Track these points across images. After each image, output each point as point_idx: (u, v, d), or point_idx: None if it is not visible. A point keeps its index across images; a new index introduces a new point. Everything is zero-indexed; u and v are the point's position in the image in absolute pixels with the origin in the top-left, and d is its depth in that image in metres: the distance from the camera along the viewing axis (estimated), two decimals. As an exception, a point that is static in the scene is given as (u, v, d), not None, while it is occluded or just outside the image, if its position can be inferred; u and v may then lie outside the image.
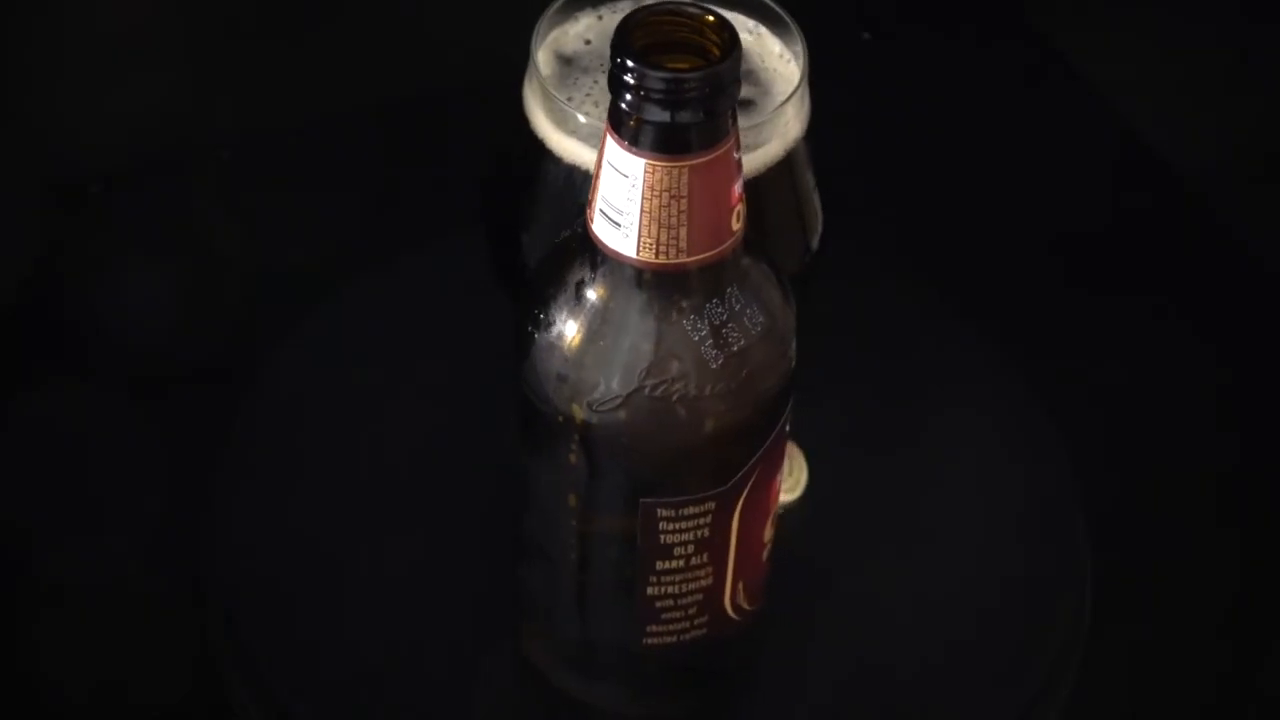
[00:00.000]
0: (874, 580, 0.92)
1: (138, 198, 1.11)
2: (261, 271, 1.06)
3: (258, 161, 1.13)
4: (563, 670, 0.84)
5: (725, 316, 0.71)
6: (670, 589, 0.78)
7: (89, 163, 1.11)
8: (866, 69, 1.18)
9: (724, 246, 0.70)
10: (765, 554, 0.81)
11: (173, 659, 0.91)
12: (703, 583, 0.78)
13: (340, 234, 1.07)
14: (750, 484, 0.75)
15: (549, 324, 0.72)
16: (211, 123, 1.14)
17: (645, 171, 0.68)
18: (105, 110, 1.10)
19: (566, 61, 0.84)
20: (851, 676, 0.89)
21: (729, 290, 0.71)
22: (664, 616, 0.79)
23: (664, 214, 0.68)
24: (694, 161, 0.68)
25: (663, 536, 0.75)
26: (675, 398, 0.71)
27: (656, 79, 0.66)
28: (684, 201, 0.68)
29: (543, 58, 0.83)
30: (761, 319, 0.72)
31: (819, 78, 0.83)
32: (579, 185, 0.80)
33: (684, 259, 0.69)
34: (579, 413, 0.72)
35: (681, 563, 0.76)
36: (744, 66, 0.84)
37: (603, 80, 0.83)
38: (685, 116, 0.67)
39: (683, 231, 0.69)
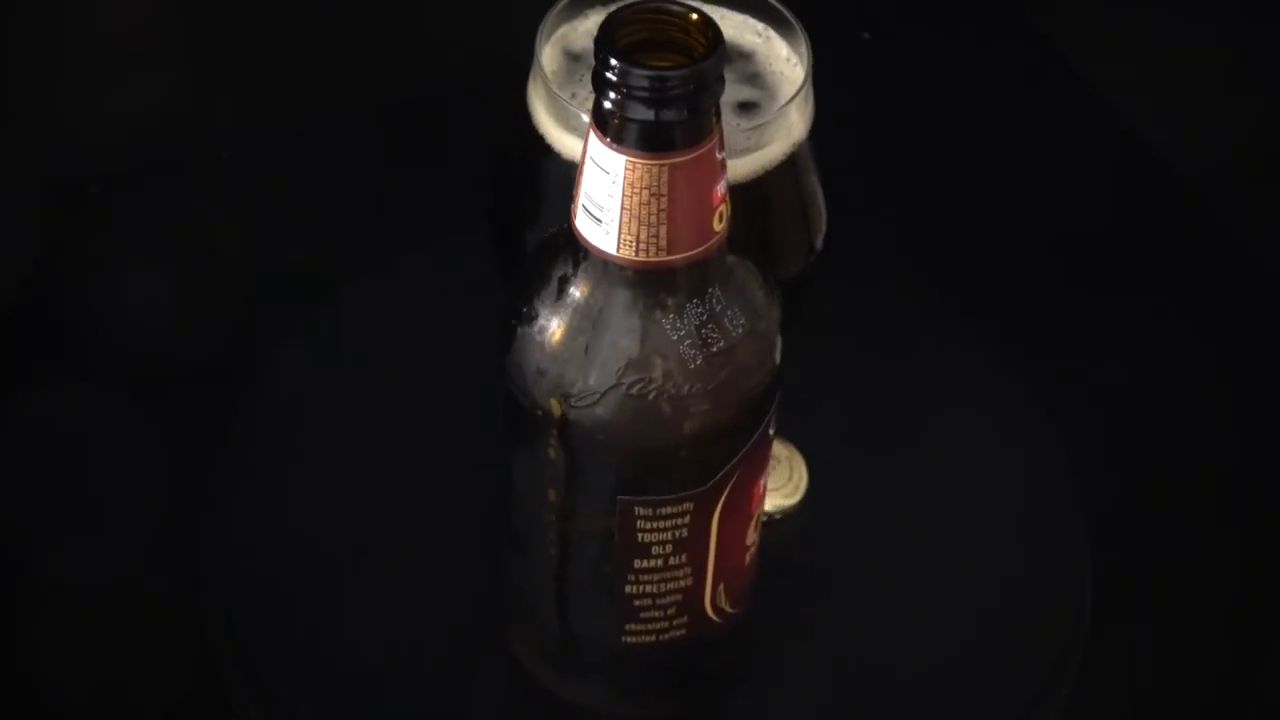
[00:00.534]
0: (874, 580, 0.92)
1: (138, 198, 1.11)
2: (261, 271, 1.06)
3: (258, 161, 1.13)
4: (547, 668, 0.84)
5: (706, 317, 0.71)
6: (648, 588, 0.78)
7: (89, 163, 1.11)
8: (867, 69, 1.18)
9: (705, 246, 0.70)
10: (748, 557, 0.80)
11: (173, 659, 0.91)
12: (681, 583, 0.78)
13: (340, 234, 1.07)
14: (730, 486, 0.75)
15: (531, 317, 0.73)
16: (211, 123, 1.14)
17: (625, 168, 0.68)
18: (105, 110, 1.10)
19: (574, 58, 0.84)
20: (851, 676, 0.89)
21: (710, 290, 0.71)
22: (643, 616, 0.79)
23: (644, 211, 0.68)
24: (674, 160, 0.68)
25: (640, 535, 0.75)
26: (652, 396, 0.71)
27: (634, 76, 0.66)
28: (664, 200, 0.68)
29: (549, 54, 0.83)
30: (743, 320, 0.72)
31: (819, 78, 0.83)
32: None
33: (664, 257, 0.70)
34: (557, 407, 0.73)
35: (659, 562, 0.76)
36: (751, 70, 0.84)
37: None
38: (665, 115, 0.67)
39: (663, 230, 0.69)
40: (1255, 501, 0.99)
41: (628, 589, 0.78)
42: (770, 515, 0.92)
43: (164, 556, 0.93)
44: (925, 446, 0.97)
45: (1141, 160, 1.17)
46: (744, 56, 0.85)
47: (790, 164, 0.83)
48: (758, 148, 0.81)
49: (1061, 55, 1.24)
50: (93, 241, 1.09)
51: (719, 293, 0.71)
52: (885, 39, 1.24)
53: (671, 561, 0.76)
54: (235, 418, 0.97)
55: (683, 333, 0.71)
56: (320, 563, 0.91)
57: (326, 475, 0.95)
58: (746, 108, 0.83)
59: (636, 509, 0.74)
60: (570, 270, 0.71)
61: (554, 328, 0.72)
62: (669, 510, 0.74)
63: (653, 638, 0.80)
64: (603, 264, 0.70)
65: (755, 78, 0.84)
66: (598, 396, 0.72)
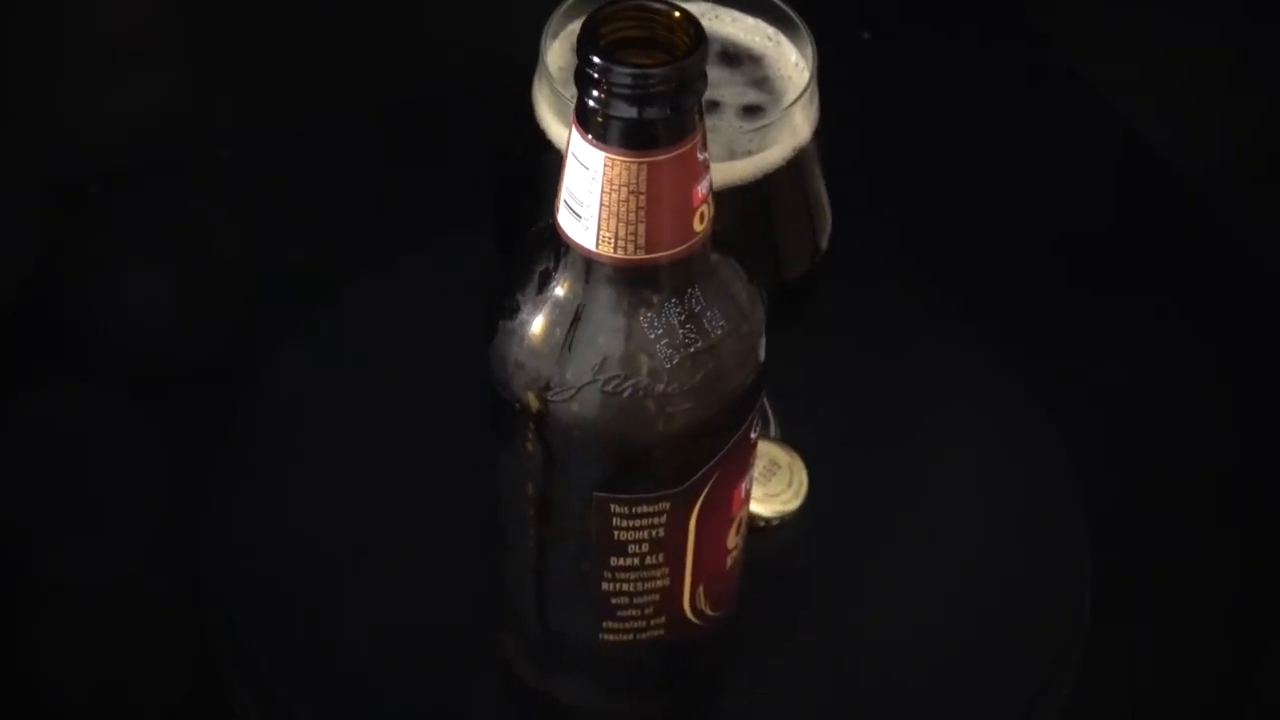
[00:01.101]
0: (874, 580, 0.92)
1: (138, 198, 1.11)
2: (261, 271, 1.06)
3: (258, 161, 1.13)
4: (531, 665, 0.84)
5: (685, 316, 0.71)
6: (625, 587, 0.78)
7: (89, 163, 1.11)
8: (868, 69, 1.18)
9: (685, 246, 0.70)
10: (730, 560, 0.80)
11: (173, 659, 0.91)
12: (659, 583, 0.78)
13: (340, 234, 1.07)
14: (709, 487, 0.75)
15: (512, 310, 0.73)
16: (211, 123, 1.14)
17: (604, 165, 0.68)
18: (105, 110, 1.10)
19: None
20: (851, 676, 0.89)
21: (691, 291, 0.71)
22: (620, 614, 0.79)
23: (622, 209, 0.68)
24: (652, 158, 0.68)
25: (616, 533, 0.75)
26: (628, 394, 0.71)
27: (610, 72, 0.66)
28: (642, 198, 0.68)
29: (555, 53, 0.83)
30: (724, 322, 0.72)
31: (820, 78, 0.83)
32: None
33: (643, 256, 0.70)
34: (534, 401, 0.73)
35: (636, 561, 0.76)
36: (760, 74, 0.84)
37: None
38: (642, 112, 0.67)
39: (641, 228, 0.69)
40: (1255, 501, 0.99)
41: (605, 586, 0.78)
42: (768, 521, 0.92)
43: (164, 556, 0.93)
44: (925, 446, 0.97)
45: (1142, 160, 1.17)
46: (754, 60, 0.85)
47: (795, 165, 0.83)
48: (762, 149, 0.81)
49: (1062, 55, 1.24)
50: (93, 241, 1.09)
51: (699, 293, 0.71)
52: (886, 39, 1.24)
53: (649, 561, 0.76)
54: (235, 418, 0.97)
55: (660, 331, 0.71)
56: (320, 563, 0.91)
57: (326, 475, 0.95)
58: (752, 111, 0.83)
59: (612, 506, 0.74)
60: (552, 265, 0.71)
61: (533, 321, 0.72)
62: (645, 509, 0.74)
63: (631, 636, 0.80)
64: (583, 260, 0.70)
65: (764, 81, 0.84)
66: (573, 392, 0.72)
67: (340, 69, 1.15)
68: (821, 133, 0.85)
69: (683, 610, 0.79)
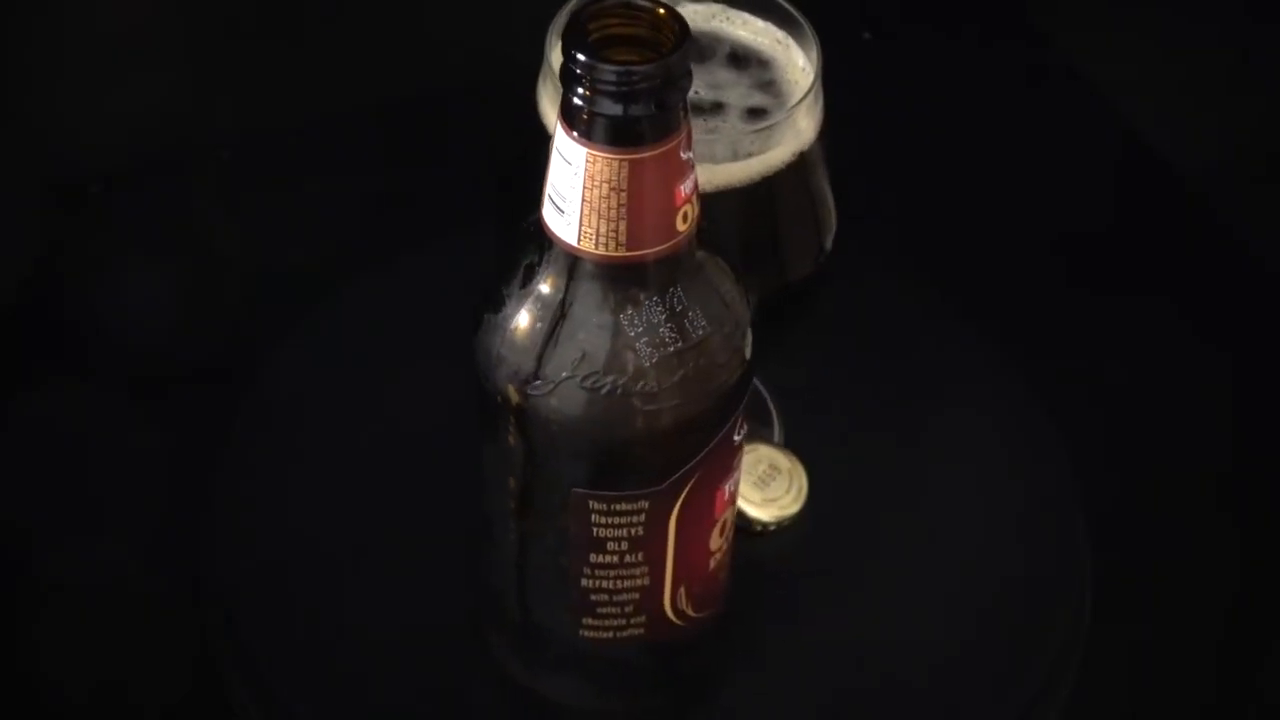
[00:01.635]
0: (874, 580, 0.92)
1: (138, 198, 1.11)
2: (261, 271, 1.06)
3: (258, 161, 1.13)
4: (515, 661, 0.84)
5: (665, 316, 0.71)
6: (604, 584, 0.78)
7: (89, 163, 1.11)
8: (868, 69, 1.18)
9: (667, 245, 0.70)
10: (713, 562, 0.80)
11: (173, 659, 0.91)
12: (638, 582, 0.78)
13: (340, 234, 1.07)
14: (689, 488, 0.75)
15: (497, 303, 0.73)
16: (211, 123, 1.14)
17: (586, 160, 0.68)
18: (105, 110, 1.10)
19: None
20: (852, 676, 0.89)
21: (671, 290, 0.71)
22: (600, 611, 0.79)
23: (604, 205, 0.69)
24: (633, 156, 0.68)
25: (595, 530, 0.75)
26: (605, 390, 0.71)
27: (591, 69, 0.67)
28: (623, 195, 0.68)
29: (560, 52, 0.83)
30: (705, 323, 0.72)
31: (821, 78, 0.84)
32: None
33: (623, 253, 0.70)
34: (514, 394, 0.73)
35: (615, 558, 0.77)
36: (768, 77, 0.84)
37: None
38: (623, 109, 0.67)
39: (622, 225, 0.69)
40: (1255, 501, 0.99)
41: (584, 583, 0.78)
42: (765, 526, 0.92)
43: (164, 556, 0.93)
44: (925, 447, 0.97)
45: (1143, 160, 1.17)
46: (762, 63, 0.85)
47: (800, 166, 0.83)
48: (766, 150, 0.81)
49: (1063, 55, 1.24)
50: (93, 241, 1.09)
51: (682, 292, 0.71)
52: (887, 39, 1.24)
53: (628, 559, 0.77)
54: (235, 418, 0.97)
55: (641, 329, 0.71)
56: (320, 563, 0.91)
57: (326, 475, 0.95)
58: (757, 114, 0.83)
59: (591, 503, 0.75)
60: (536, 259, 0.72)
61: (515, 315, 0.72)
62: (623, 507, 0.75)
63: (611, 634, 0.80)
64: (565, 256, 0.70)
65: (770, 85, 0.85)
66: (552, 386, 0.72)
67: (340, 69, 1.15)
68: (826, 134, 0.85)
69: (664, 610, 0.79)
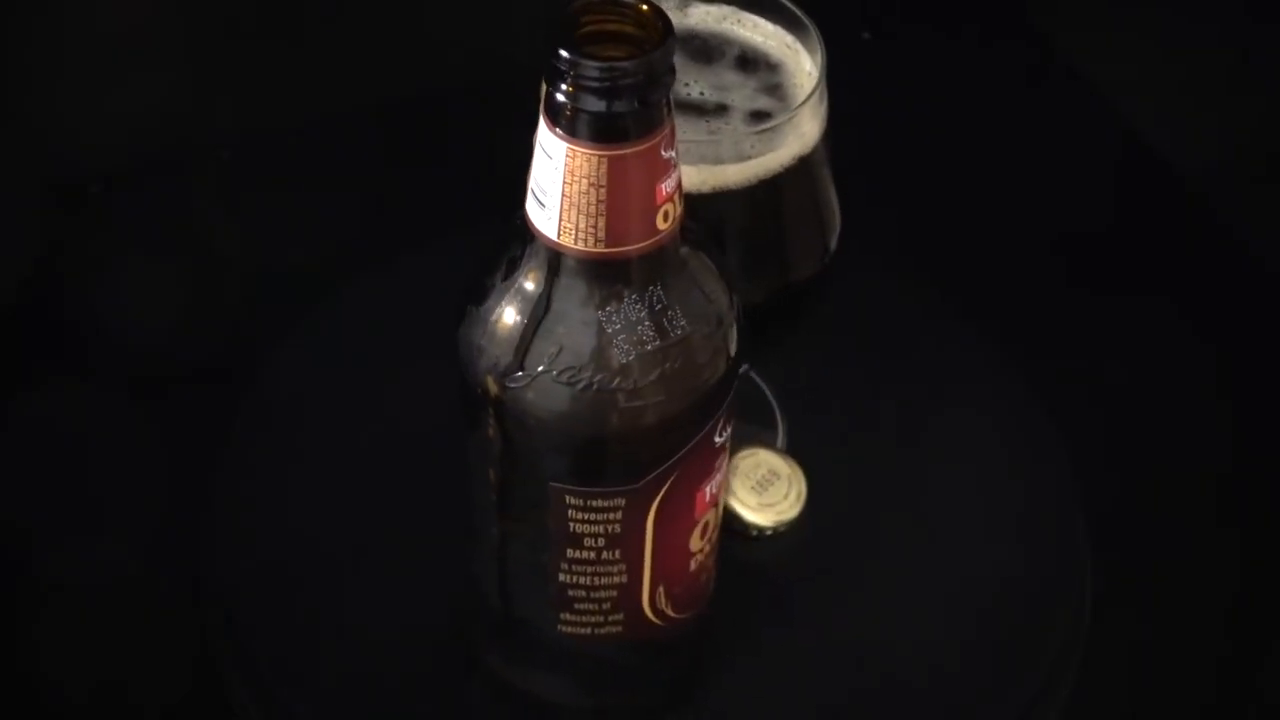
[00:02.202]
0: (874, 580, 0.92)
1: (138, 198, 1.11)
2: (261, 271, 1.06)
3: (258, 161, 1.14)
4: (496, 656, 0.85)
5: (644, 314, 0.71)
6: (582, 579, 0.78)
7: (89, 163, 1.11)
8: (869, 69, 1.18)
9: (647, 243, 0.70)
10: (694, 564, 0.80)
11: (173, 659, 0.91)
12: (616, 579, 0.78)
13: (340, 234, 1.07)
14: (666, 487, 0.75)
15: (480, 295, 0.73)
16: (211, 123, 1.14)
17: (566, 155, 0.68)
18: (105, 110, 1.10)
19: None
20: (852, 676, 0.89)
21: (651, 288, 0.71)
22: (577, 606, 0.79)
23: (583, 201, 0.69)
24: (612, 152, 0.68)
25: (572, 525, 0.76)
26: (581, 386, 0.72)
27: (572, 63, 0.67)
28: (603, 191, 0.68)
29: None
30: (684, 323, 0.72)
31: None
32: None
33: (602, 249, 0.70)
34: (493, 386, 0.73)
35: (592, 554, 0.77)
36: (774, 80, 0.84)
37: None
38: (602, 105, 0.67)
39: (601, 221, 0.69)
40: (1255, 501, 0.99)
41: (561, 577, 0.78)
42: (762, 530, 0.92)
43: (164, 556, 0.93)
44: (925, 447, 0.97)
45: (1143, 160, 1.17)
46: (770, 67, 0.85)
47: (804, 167, 0.83)
48: (771, 151, 0.81)
49: (1063, 55, 1.24)
50: (93, 241, 1.09)
51: (662, 291, 0.71)
52: (887, 39, 1.25)
53: (605, 555, 0.77)
54: (235, 418, 0.97)
55: (619, 326, 0.71)
56: (320, 563, 0.91)
57: (326, 475, 0.95)
58: (761, 117, 0.83)
59: (567, 497, 0.75)
60: (519, 253, 0.72)
61: (496, 307, 0.73)
62: (600, 503, 0.75)
63: (589, 630, 0.80)
64: (546, 250, 0.71)
65: (776, 88, 0.85)
66: (529, 380, 0.72)
67: (340, 69, 1.15)
68: (830, 135, 0.85)
69: (642, 609, 0.79)
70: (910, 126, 1.16)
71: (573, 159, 0.68)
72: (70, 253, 1.08)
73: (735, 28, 0.87)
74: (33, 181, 1.10)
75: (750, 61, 0.86)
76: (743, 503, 0.92)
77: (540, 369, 0.72)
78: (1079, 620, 0.92)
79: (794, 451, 0.96)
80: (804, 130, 0.83)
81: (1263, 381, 1.05)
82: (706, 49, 0.86)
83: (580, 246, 0.70)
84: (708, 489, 0.78)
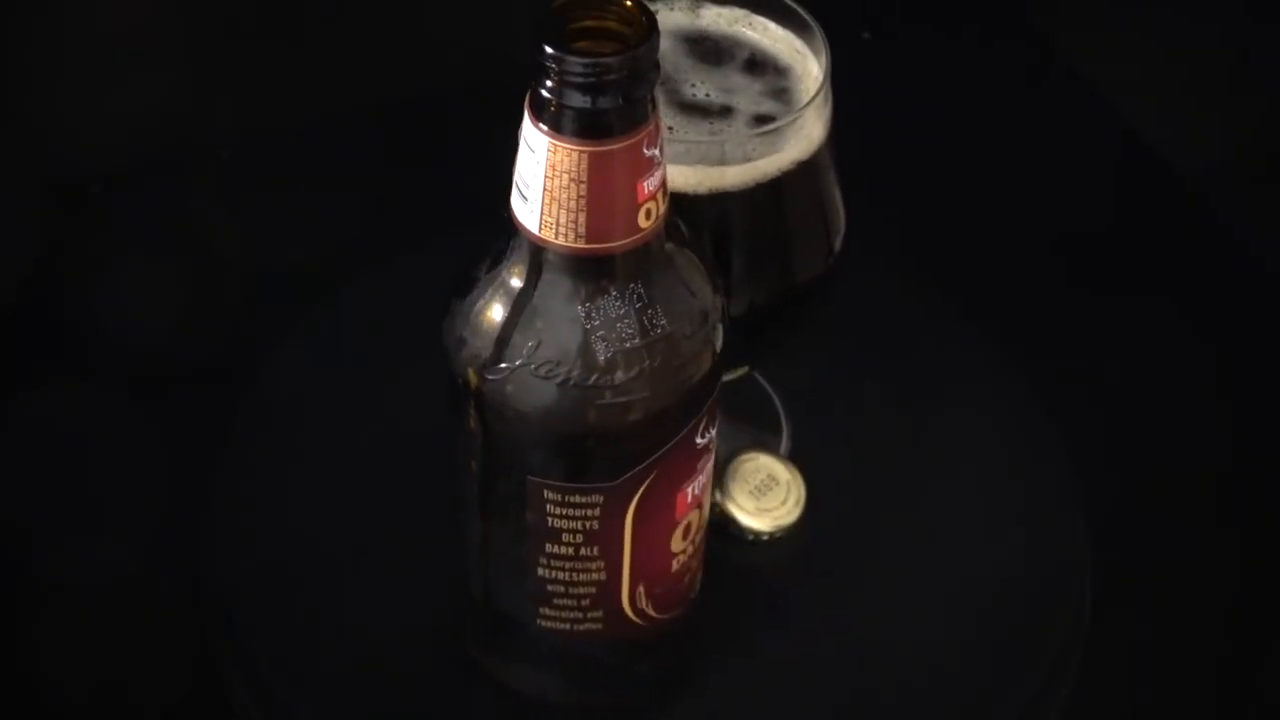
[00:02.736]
0: (874, 580, 0.92)
1: (138, 198, 1.11)
2: (261, 271, 1.06)
3: (258, 161, 1.14)
4: (480, 649, 0.85)
5: (623, 311, 0.71)
6: (561, 575, 0.78)
7: (89, 163, 1.11)
8: (868, 69, 1.18)
9: (627, 241, 0.70)
10: (676, 564, 0.80)
11: (173, 659, 0.91)
12: (594, 576, 0.78)
13: (340, 234, 1.07)
14: (645, 487, 0.75)
15: (465, 287, 0.73)
16: (211, 123, 1.14)
17: (548, 150, 0.68)
18: (105, 110, 1.10)
19: None
20: (851, 676, 0.89)
21: (632, 286, 0.71)
22: (556, 601, 0.79)
23: (564, 196, 0.69)
24: (593, 148, 0.68)
25: (550, 520, 0.76)
26: (558, 381, 0.72)
27: (553, 59, 0.67)
28: (583, 186, 0.69)
29: None
30: (664, 322, 0.72)
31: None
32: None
33: (582, 245, 0.70)
34: (473, 378, 0.73)
35: (570, 550, 0.77)
36: (781, 84, 0.84)
37: None
38: (582, 101, 0.67)
39: (582, 217, 0.69)
40: (1255, 501, 0.99)
41: (540, 572, 0.78)
42: (757, 535, 0.92)
43: (164, 556, 0.93)
44: (925, 447, 0.97)
45: (1143, 160, 1.17)
46: (779, 71, 0.85)
47: (809, 168, 0.83)
48: (774, 153, 0.81)
49: (1063, 55, 1.24)
50: (93, 241, 1.09)
51: (642, 289, 0.72)
52: (887, 39, 1.25)
53: (583, 552, 0.77)
54: (235, 418, 0.97)
55: (598, 323, 0.71)
56: (320, 563, 0.91)
57: (326, 475, 0.95)
58: (765, 121, 0.83)
59: (545, 492, 0.75)
60: (504, 246, 0.72)
61: (479, 300, 0.73)
62: (578, 499, 0.75)
63: (568, 626, 0.80)
64: (528, 244, 0.71)
65: (783, 93, 0.85)
66: (508, 372, 0.72)
67: (340, 69, 1.15)
68: (834, 136, 0.85)
69: (621, 607, 0.79)
70: (910, 127, 1.16)
71: (554, 153, 0.68)
72: (70, 253, 1.08)
73: (747, 31, 0.87)
74: (33, 181, 1.10)
75: (759, 65, 0.86)
76: (740, 507, 0.92)
77: (519, 362, 0.72)
78: (1079, 620, 0.92)
79: (794, 450, 0.96)
80: (810, 131, 0.83)
81: (1263, 381, 1.05)
82: (717, 50, 0.86)
83: (561, 241, 0.70)
84: (690, 490, 0.78)
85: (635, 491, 0.75)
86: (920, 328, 1.03)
